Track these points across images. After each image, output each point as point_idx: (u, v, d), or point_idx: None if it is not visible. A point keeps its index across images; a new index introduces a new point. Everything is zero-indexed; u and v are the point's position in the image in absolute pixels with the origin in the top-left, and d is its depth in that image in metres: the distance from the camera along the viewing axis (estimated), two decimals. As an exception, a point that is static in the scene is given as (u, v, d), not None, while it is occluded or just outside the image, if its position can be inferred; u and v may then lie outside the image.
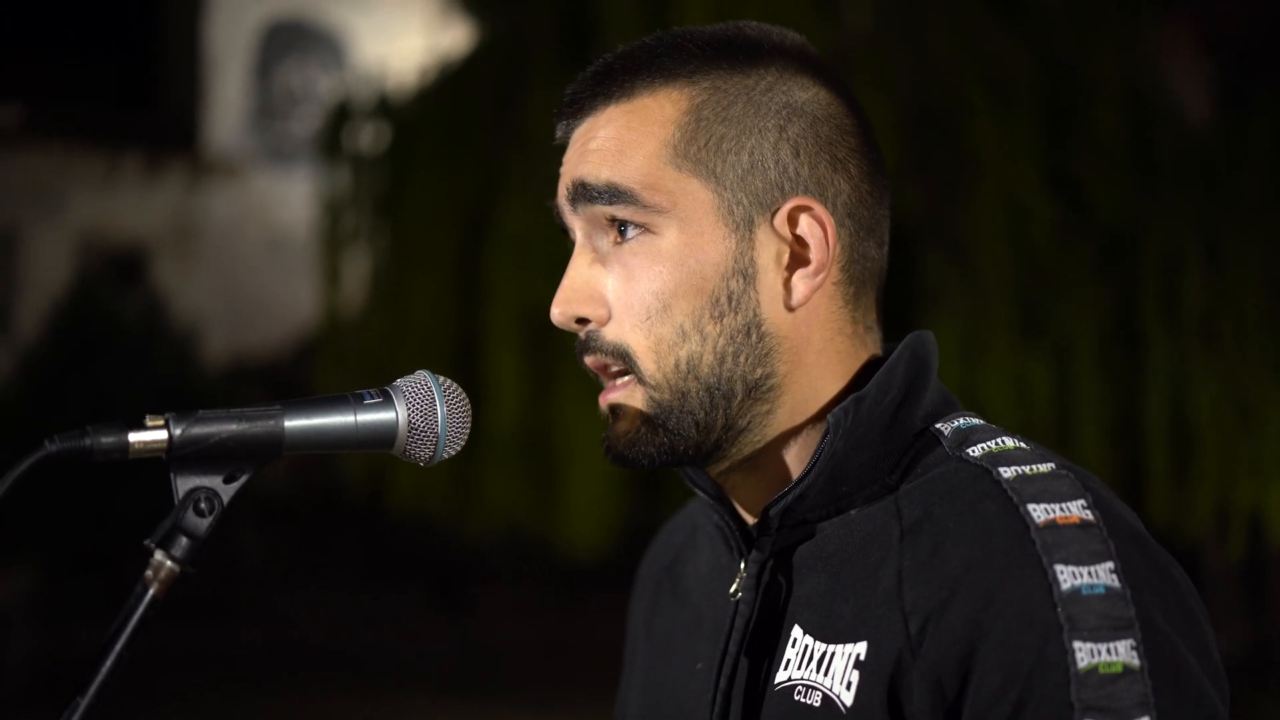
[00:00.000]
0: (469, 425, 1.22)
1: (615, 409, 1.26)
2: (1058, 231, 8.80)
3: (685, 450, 1.24)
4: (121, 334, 19.06)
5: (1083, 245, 8.88)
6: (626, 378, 1.25)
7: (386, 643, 14.92)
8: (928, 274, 8.74)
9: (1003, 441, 1.21)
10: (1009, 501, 1.15)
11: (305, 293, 17.26)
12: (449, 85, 10.56)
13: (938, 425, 1.24)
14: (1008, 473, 1.17)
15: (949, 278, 8.69)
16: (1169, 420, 8.84)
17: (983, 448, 1.21)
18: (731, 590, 1.27)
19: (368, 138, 11.40)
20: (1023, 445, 1.21)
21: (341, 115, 11.46)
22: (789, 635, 1.21)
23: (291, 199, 22.39)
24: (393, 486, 10.59)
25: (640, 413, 1.24)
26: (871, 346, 1.29)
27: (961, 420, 1.25)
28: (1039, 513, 1.14)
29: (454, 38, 12.18)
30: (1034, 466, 1.18)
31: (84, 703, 1.11)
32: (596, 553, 9.85)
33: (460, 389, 1.22)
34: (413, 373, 1.22)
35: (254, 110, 23.79)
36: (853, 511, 1.22)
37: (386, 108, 11.20)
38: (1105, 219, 8.94)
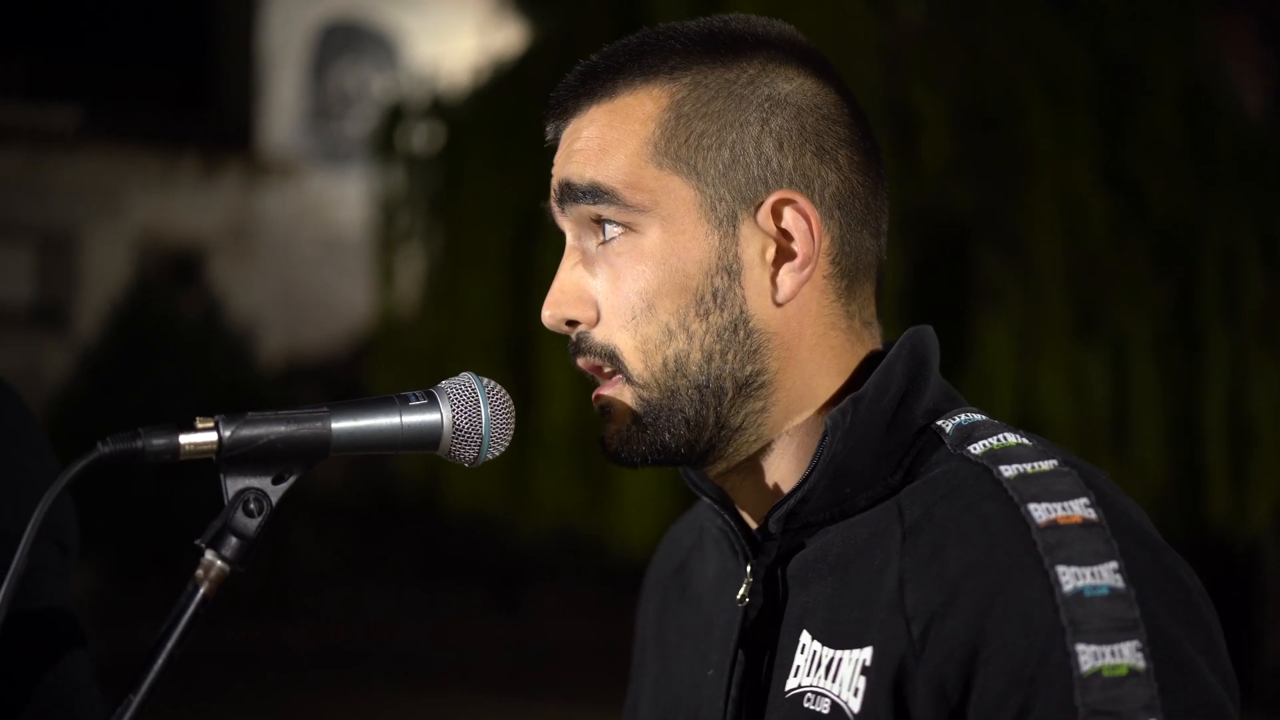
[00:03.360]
0: (513, 426, 1.22)
1: (606, 408, 1.25)
2: (1114, 229, 8.74)
3: (678, 449, 1.23)
4: (179, 334, 19.22)
5: (1140, 242, 8.82)
6: (617, 377, 1.24)
7: (441, 642, 14.98)
8: (982, 273, 8.69)
9: (1004, 438, 1.19)
10: (1009, 501, 1.13)
11: (360, 292, 17.35)
12: (502, 85, 10.60)
13: (939, 422, 1.22)
14: (1008, 471, 1.15)
15: (1004, 276, 8.64)
16: (1227, 419, 8.76)
17: (984, 445, 1.18)
18: (738, 596, 1.25)
19: (421, 138, 11.45)
20: (1025, 441, 1.19)
21: (395, 116, 11.51)
22: (797, 641, 1.20)
23: (346, 199, 22.52)
24: (447, 487, 10.64)
25: (630, 411, 1.23)
26: (870, 342, 1.27)
27: (963, 416, 1.22)
28: (1040, 512, 1.11)
29: (506, 37, 12.20)
30: (1035, 464, 1.15)
31: (136, 700, 1.12)
32: (649, 552, 9.83)
33: (504, 390, 1.22)
34: (458, 374, 1.23)
35: (309, 111, 23.95)
36: (856, 514, 1.20)
37: (440, 108, 11.24)
38: (1162, 216, 8.87)
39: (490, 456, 1.21)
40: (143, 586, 18.25)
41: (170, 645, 1.12)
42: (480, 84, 11.06)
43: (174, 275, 21.83)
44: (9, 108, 22.19)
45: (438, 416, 1.19)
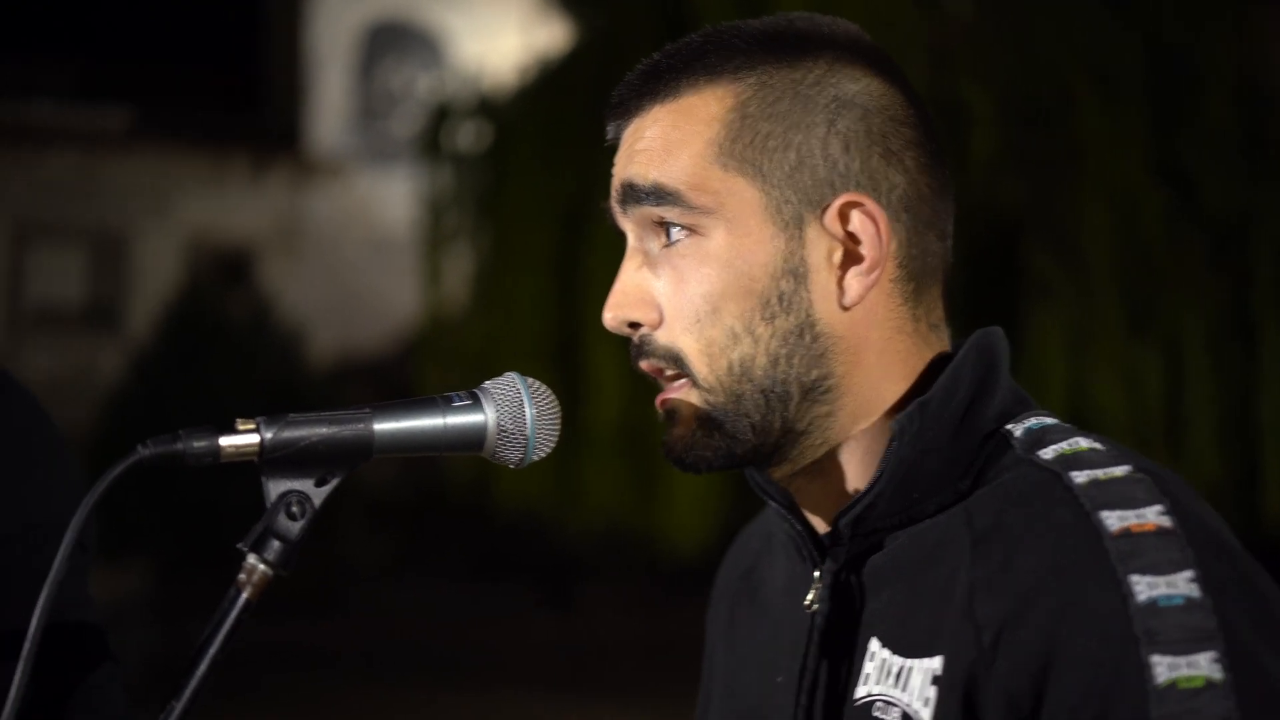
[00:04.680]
0: (558, 428, 1.21)
1: (671, 412, 1.24)
2: (1167, 223, 8.65)
3: (743, 454, 1.22)
4: (229, 334, 19.35)
5: (1193, 237, 8.73)
6: (682, 380, 1.22)
7: (490, 640, 15.02)
8: (1034, 269, 8.63)
9: (1076, 443, 1.17)
10: (1080, 509, 1.11)
11: (408, 292, 17.41)
12: (547, 84, 10.60)
13: (1009, 426, 1.20)
14: (1080, 478, 1.13)
15: (1055, 272, 8.57)
16: (1284, 415, 8.65)
17: (1055, 450, 1.16)
18: (807, 601, 1.24)
19: (468, 137, 11.47)
20: (1098, 446, 1.17)
21: (441, 115, 11.54)
22: (866, 648, 1.19)
23: (393, 199, 22.62)
24: (497, 485, 10.66)
25: (695, 415, 1.22)
26: (937, 345, 1.25)
27: (1034, 420, 1.21)
28: (1112, 520, 1.10)
29: (550, 36, 12.22)
30: (1108, 470, 1.13)
31: (179, 706, 1.11)
32: (699, 550, 9.83)
33: (549, 391, 1.21)
34: (503, 374, 1.21)
35: (355, 111, 24.06)
36: (925, 520, 1.19)
37: (486, 107, 11.26)
38: (1216, 209, 8.78)
39: (536, 458, 1.20)
40: (194, 582, 18.37)
41: (213, 650, 1.11)
42: (526, 83, 11.07)
43: (224, 275, 21.98)
44: (61, 110, 22.39)
45: (482, 418, 1.18)
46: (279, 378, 18.85)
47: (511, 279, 10.42)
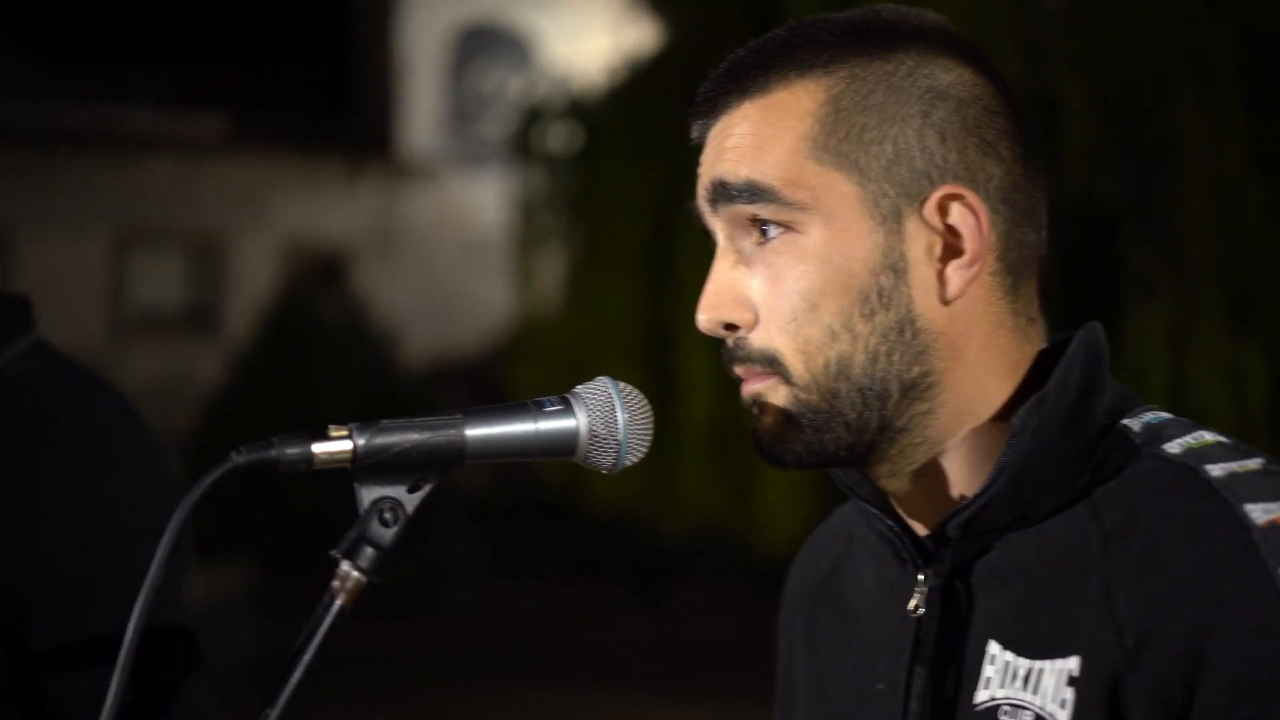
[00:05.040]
0: (651, 432, 1.19)
1: (759, 403, 1.21)
2: (1268, 214, 8.49)
3: (836, 451, 1.19)
4: (325, 336, 19.57)
5: (1295, 229, 8.55)
6: (773, 375, 1.20)
7: (584, 639, 15.06)
8: (1132, 264, 8.50)
9: (1201, 436, 1.15)
10: (1224, 502, 1.09)
11: (501, 293, 17.51)
12: (637, 84, 10.61)
13: (1124, 421, 1.18)
14: (1216, 470, 1.11)
15: (1155, 267, 8.44)
16: (1392, 410, 8.47)
17: (1181, 444, 1.14)
18: (911, 606, 1.21)
19: (559, 138, 11.51)
20: (1222, 440, 1.15)
21: (532, 117, 11.59)
22: (985, 651, 1.16)
23: (485, 200, 22.75)
24: (590, 486, 10.68)
25: (783, 410, 1.19)
26: (1036, 339, 1.23)
27: (1150, 415, 1.18)
28: (1257, 513, 1.08)
29: (639, 36, 12.23)
30: (1241, 463, 1.11)
31: (274, 715, 1.11)
32: (792, 548, 9.76)
33: (641, 395, 1.20)
34: (594, 378, 1.20)
35: (446, 114, 24.23)
36: (1042, 519, 1.16)
37: (576, 108, 11.30)
38: (1319, 200, 8.60)
39: (628, 463, 1.19)
40: (299, 581, 18.56)
41: (307, 658, 1.11)
42: (616, 83, 11.09)
43: (319, 279, 22.23)
44: (159, 117, 22.76)
45: (573, 423, 1.17)
46: (374, 380, 19.04)
47: (603, 279, 10.44)
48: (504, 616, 16.91)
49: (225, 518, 16.83)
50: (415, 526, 1.15)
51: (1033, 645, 1.13)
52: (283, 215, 23.14)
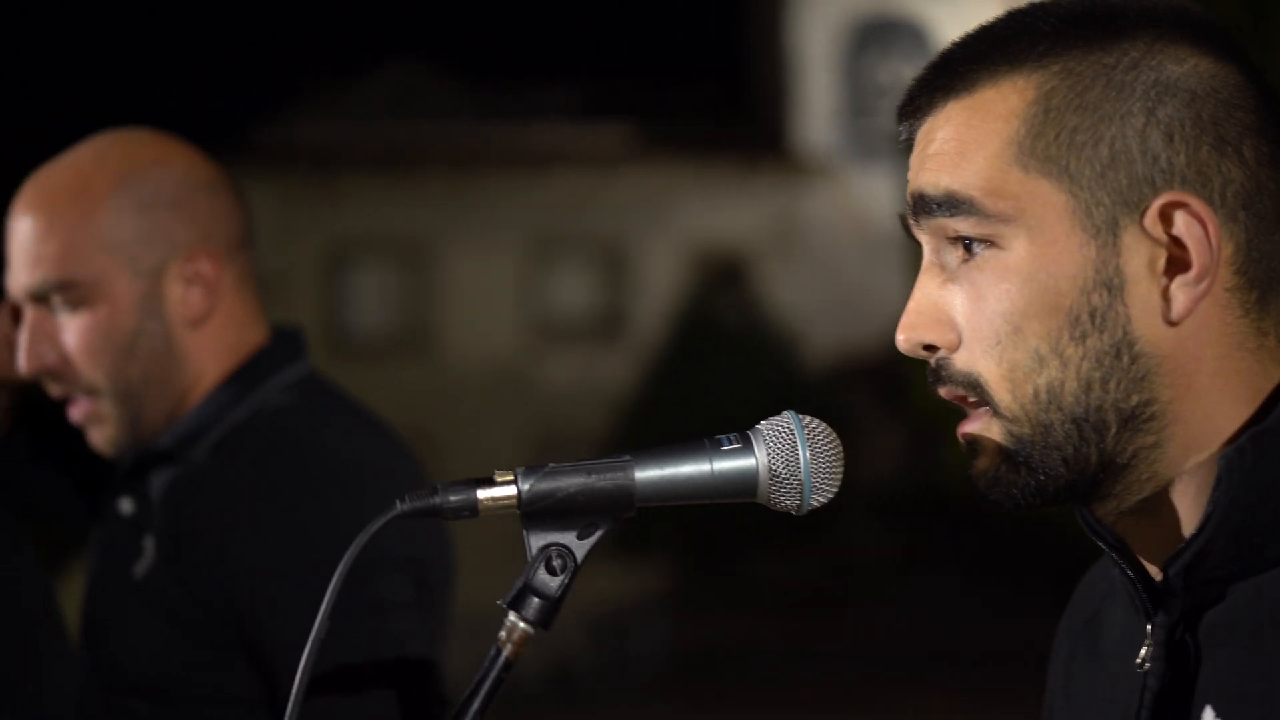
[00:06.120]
0: (840, 469, 1.12)
1: (972, 444, 1.11)
2: None
3: (1056, 490, 1.09)
4: (728, 337, 19.87)
5: None
6: (983, 409, 1.10)
7: (1002, 639, 14.75)
8: None
9: None
10: None
11: (903, 289, 17.31)
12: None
13: None
14: None
15: None
16: None
17: None
18: (1139, 659, 1.10)
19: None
20: None
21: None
22: (1200, 718, 1.04)
23: (882, 194, 22.58)
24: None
25: (999, 448, 1.09)
26: None
27: None
28: None
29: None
30: None
31: None
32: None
33: (829, 430, 1.12)
34: (780, 413, 1.13)
35: (841, 109, 24.17)
36: (1270, 569, 1.03)
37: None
38: None
39: (815, 504, 1.11)
40: (711, 580, 18.94)
41: (474, 710, 1.08)
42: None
43: (721, 281, 22.57)
44: (566, 130, 23.60)
45: (752, 462, 1.11)
46: (776, 379, 19.20)
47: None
48: (915, 615, 16.75)
49: (640, 518, 17.31)
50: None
51: (1242, 715, 1.01)
52: (684, 220, 23.60)
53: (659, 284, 22.51)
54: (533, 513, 1.10)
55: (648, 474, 1.10)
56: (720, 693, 13.97)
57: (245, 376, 1.93)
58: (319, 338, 22.05)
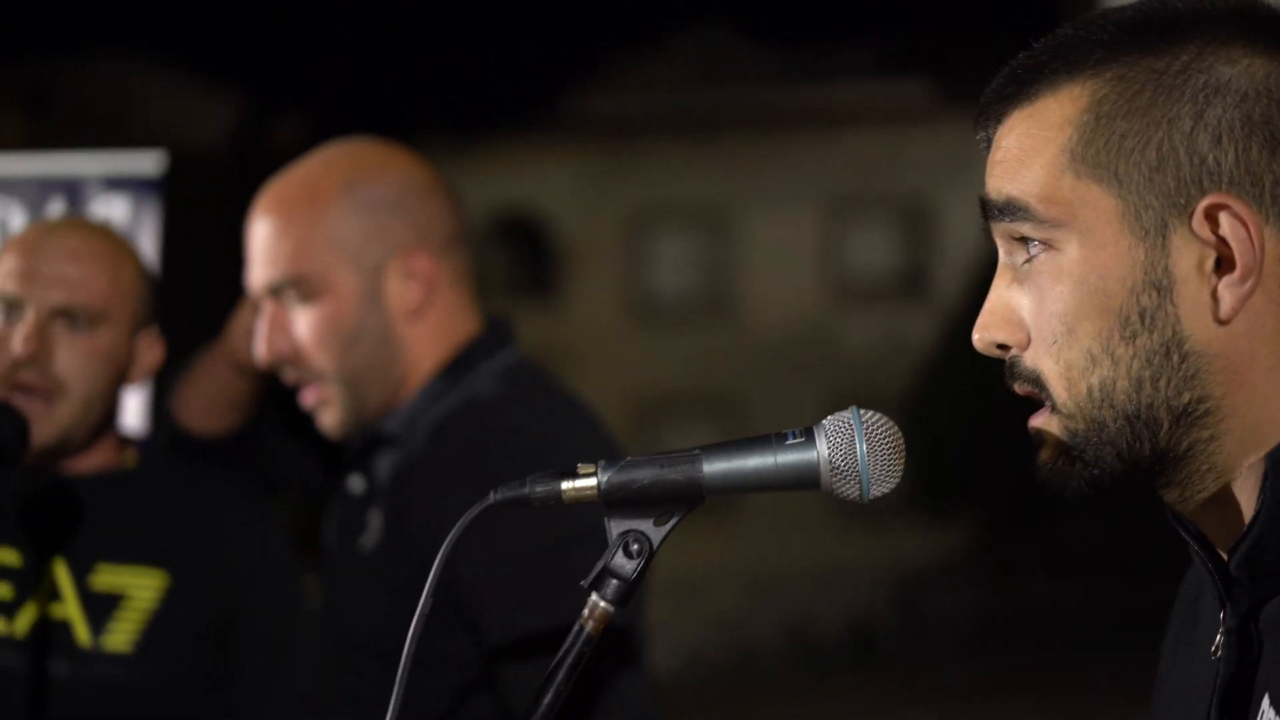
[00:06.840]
0: (900, 461, 1.19)
1: (1037, 435, 1.17)
2: None
3: (1113, 483, 1.13)
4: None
5: None
6: (1048, 404, 1.16)
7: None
8: None
9: None
10: None
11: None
12: None
13: None
14: None
15: None
16: None
17: None
18: (1213, 648, 1.13)
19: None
20: None
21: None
22: (1259, 708, 1.07)
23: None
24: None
25: (1057, 442, 1.14)
26: None
27: None
28: None
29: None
30: None
31: None
32: None
33: (889, 423, 1.19)
34: (846, 407, 1.21)
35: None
36: None
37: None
38: None
39: (876, 494, 1.19)
40: (1022, 538, 18.62)
41: (557, 683, 1.18)
42: None
43: (1024, 236, 22.07)
44: (864, 87, 23.39)
45: (814, 455, 1.19)
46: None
47: None
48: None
49: (946, 478, 17.14)
50: (649, 567, 1.20)
51: None
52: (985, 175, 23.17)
53: (962, 242, 22.15)
54: (612, 502, 1.20)
55: (715, 466, 1.19)
56: (1025, 661, 13.74)
57: (458, 365, 2.09)
58: (623, 305, 22.51)
